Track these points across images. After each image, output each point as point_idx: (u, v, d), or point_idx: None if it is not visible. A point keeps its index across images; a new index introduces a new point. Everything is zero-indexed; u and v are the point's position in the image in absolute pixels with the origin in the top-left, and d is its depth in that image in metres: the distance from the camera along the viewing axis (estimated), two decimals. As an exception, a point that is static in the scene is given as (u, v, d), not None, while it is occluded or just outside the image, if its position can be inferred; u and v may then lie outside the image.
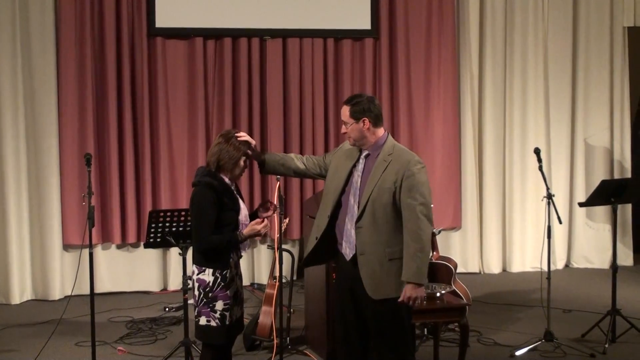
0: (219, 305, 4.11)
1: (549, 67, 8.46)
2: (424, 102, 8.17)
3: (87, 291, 5.49)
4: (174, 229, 5.25)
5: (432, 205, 4.04)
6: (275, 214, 4.47)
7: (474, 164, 8.34)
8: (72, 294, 6.32)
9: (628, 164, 8.58)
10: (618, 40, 8.52)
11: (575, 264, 8.63)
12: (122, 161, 7.56)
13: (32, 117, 7.35)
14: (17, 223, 7.29)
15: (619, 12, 8.48)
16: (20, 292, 7.34)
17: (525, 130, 8.40)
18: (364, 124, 4.06)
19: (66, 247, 7.50)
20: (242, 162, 4.18)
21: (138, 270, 7.67)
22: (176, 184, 7.70)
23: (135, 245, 7.65)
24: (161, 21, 7.56)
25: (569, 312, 6.79)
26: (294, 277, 6.29)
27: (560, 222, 5.81)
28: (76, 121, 7.43)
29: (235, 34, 7.74)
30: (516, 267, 8.44)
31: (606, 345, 5.73)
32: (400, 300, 3.96)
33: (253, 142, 4.25)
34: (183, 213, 5.26)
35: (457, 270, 5.91)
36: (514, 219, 8.44)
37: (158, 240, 5.29)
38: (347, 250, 4.10)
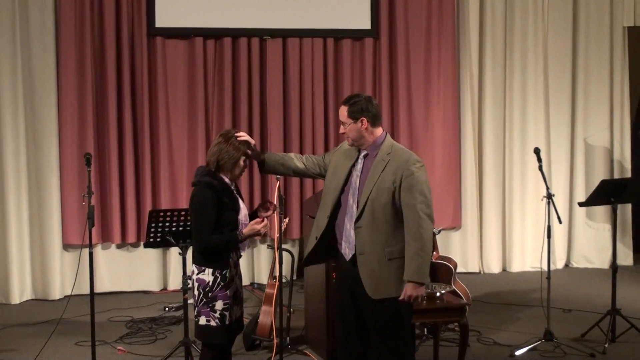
0: (219, 305, 4.11)
1: (549, 67, 8.47)
2: (424, 102, 8.17)
3: (87, 291, 5.49)
4: (173, 228, 5.26)
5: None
6: (275, 214, 4.48)
7: (473, 163, 8.34)
8: (72, 293, 6.31)
9: (628, 163, 8.58)
10: (618, 40, 8.52)
11: (575, 263, 8.63)
12: (122, 161, 7.56)
13: (32, 116, 7.35)
14: (17, 223, 7.29)
15: (618, 11, 8.49)
16: (20, 291, 7.34)
17: (525, 130, 8.40)
18: (362, 124, 4.06)
19: (66, 246, 7.50)
20: (241, 162, 4.18)
21: (138, 270, 7.67)
22: (176, 184, 7.70)
23: (135, 245, 7.66)
24: (161, 21, 7.56)
25: (568, 311, 6.80)
26: (294, 277, 6.29)
27: (560, 222, 5.81)
28: (76, 121, 7.43)
29: (235, 34, 7.74)
30: (516, 266, 8.44)
31: (606, 345, 5.73)
32: (400, 299, 3.96)
33: (253, 141, 4.25)
34: (183, 213, 5.26)
35: (457, 270, 5.91)
36: (513, 218, 8.45)
37: (158, 240, 5.30)
38: (347, 250, 4.10)
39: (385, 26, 8.06)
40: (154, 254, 7.60)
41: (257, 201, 7.53)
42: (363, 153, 4.12)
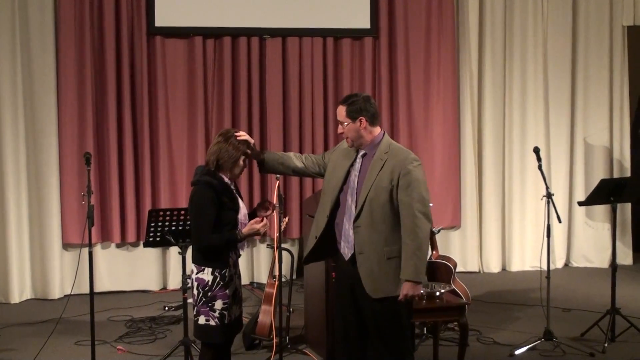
0: (218, 304, 4.11)
1: (549, 66, 8.46)
2: (424, 102, 8.16)
3: (86, 290, 5.49)
4: (173, 228, 5.26)
5: (431, 205, 4.04)
6: (274, 213, 4.47)
7: (473, 163, 8.34)
8: (72, 293, 6.31)
9: (627, 163, 8.58)
10: (617, 39, 8.52)
11: (575, 263, 8.63)
12: (121, 160, 7.56)
13: (31, 116, 7.35)
14: (17, 222, 7.29)
15: (618, 11, 8.48)
16: (20, 291, 7.34)
17: (524, 130, 8.40)
18: (360, 123, 4.06)
19: (66, 246, 7.50)
20: (241, 162, 4.18)
21: (137, 270, 7.67)
22: (176, 183, 7.70)
23: (135, 245, 7.66)
24: (161, 20, 7.56)
25: (568, 311, 6.80)
26: (294, 276, 6.29)
27: (560, 221, 5.81)
28: (75, 120, 7.43)
29: (235, 33, 7.74)
30: (516, 266, 8.44)
31: (605, 345, 5.73)
32: (400, 298, 3.96)
33: (252, 141, 4.26)
34: (182, 212, 5.26)
35: (457, 270, 5.92)
36: (513, 218, 8.44)
37: (157, 239, 5.30)
38: (346, 250, 4.10)
39: (385, 26, 8.06)
40: (153, 253, 7.60)
41: (256, 200, 7.53)
42: (361, 152, 4.12)
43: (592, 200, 6.23)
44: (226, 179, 4.17)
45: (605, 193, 6.01)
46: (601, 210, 8.43)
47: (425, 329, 5.84)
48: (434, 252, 5.85)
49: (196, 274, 4.15)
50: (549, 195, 5.73)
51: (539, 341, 5.74)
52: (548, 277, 5.78)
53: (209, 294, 4.11)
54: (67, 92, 7.39)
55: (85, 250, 5.22)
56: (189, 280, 4.74)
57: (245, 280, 7.63)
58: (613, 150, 8.57)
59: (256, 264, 7.92)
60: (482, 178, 8.42)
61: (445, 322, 5.71)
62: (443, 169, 8.23)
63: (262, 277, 7.81)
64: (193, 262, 4.20)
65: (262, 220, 4.14)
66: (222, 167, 4.15)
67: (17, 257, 7.30)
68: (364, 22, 7.98)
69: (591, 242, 8.58)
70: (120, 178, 7.56)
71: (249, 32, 7.75)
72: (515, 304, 7.02)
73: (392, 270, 3.98)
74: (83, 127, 7.44)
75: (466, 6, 8.26)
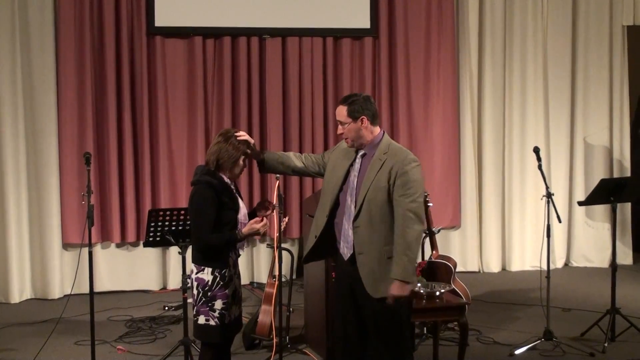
0: (218, 304, 4.11)
1: (549, 66, 8.46)
2: (424, 102, 8.16)
3: (86, 290, 5.48)
4: (173, 228, 5.26)
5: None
6: (274, 213, 4.47)
7: (473, 163, 8.34)
8: (72, 292, 6.31)
9: (627, 162, 8.58)
10: (617, 39, 8.52)
11: (575, 262, 8.63)
12: (121, 160, 7.56)
13: (31, 116, 7.35)
14: (17, 222, 7.29)
15: (618, 10, 8.48)
16: (20, 291, 7.34)
17: (524, 130, 8.40)
18: (362, 123, 4.06)
19: (66, 246, 7.50)
20: (241, 161, 4.18)
21: (137, 269, 7.67)
22: (175, 183, 7.70)
23: (135, 244, 7.66)
24: (160, 20, 7.56)
25: (568, 311, 6.80)
26: (294, 276, 6.29)
27: (560, 221, 5.81)
28: (75, 120, 7.43)
29: (235, 33, 7.74)
30: (515, 266, 8.44)
31: (605, 344, 5.73)
32: (387, 300, 3.95)
33: (252, 141, 4.25)
34: (182, 212, 5.26)
35: (457, 269, 5.91)
36: (513, 218, 8.44)
37: (157, 239, 5.30)
38: (345, 250, 4.10)
39: (384, 26, 8.05)
40: (153, 253, 7.60)
41: (256, 200, 7.53)
42: (361, 152, 4.12)
43: (592, 200, 6.23)
44: (226, 179, 4.17)
45: (605, 193, 6.01)
46: (601, 210, 8.43)
47: (425, 328, 5.84)
48: (434, 252, 5.85)
49: (196, 273, 4.15)
50: (549, 195, 5.73)
51: (539, 341, 5.74)
52: (548, 277, 5.78)
53: (209, 293, 4.11)
54: (66, 92, 7.39)
55: (85, 250, 5.22)
56: (188, 280, 4.74)
57: (245, 280, 7.63)
58: (613, 150, 8.57)
59: (256, 264, 7.92)
60: (482, 178, 8.42)
61: (445, 322, 5.72)
62: (443, 169, 8.23)
63: (262, 277, 7.81)
64: (193, 262, 4.20)
65: (262, 220, 4.14)
66: (222, 167, 4.15)
67: (17, 257, 7.30)
68: (364, 22, 7.98)
69: (591, 242, 8.58)
70: (120, 178, 7.56)
71: (249, 32, 7.75)
72: (515, 304, 7.02)
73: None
74: (83, 127, 7.44)
75: (466, 6, 8.26)
